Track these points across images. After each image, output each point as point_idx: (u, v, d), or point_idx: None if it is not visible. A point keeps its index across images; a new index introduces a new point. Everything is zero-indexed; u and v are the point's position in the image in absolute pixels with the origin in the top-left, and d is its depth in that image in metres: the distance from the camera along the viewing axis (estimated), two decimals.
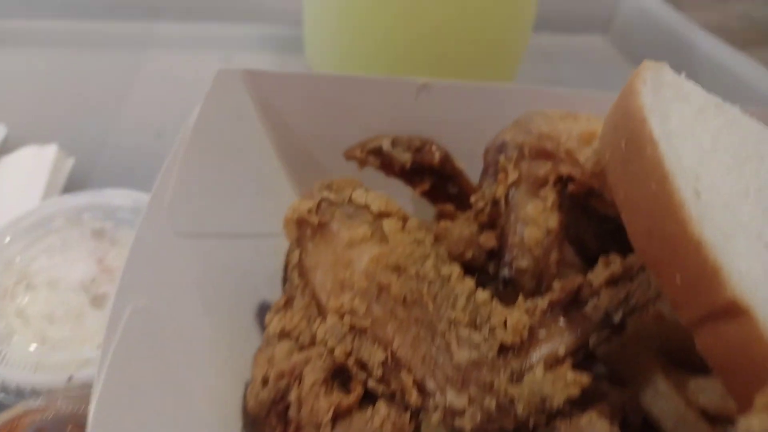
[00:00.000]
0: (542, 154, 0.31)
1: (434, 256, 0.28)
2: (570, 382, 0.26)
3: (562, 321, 0.27)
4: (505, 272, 0.30)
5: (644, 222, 0.24)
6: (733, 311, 0.22)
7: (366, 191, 0.31)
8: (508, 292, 0.30)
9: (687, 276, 0.23)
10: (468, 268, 0.32)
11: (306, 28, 0.56)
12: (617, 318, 0.27)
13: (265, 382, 0.29)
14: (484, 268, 0.32)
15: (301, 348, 0.30)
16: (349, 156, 0.39)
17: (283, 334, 0.30)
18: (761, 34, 0.89)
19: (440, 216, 0.40)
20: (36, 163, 0.44)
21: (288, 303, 0.32)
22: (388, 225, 0.29)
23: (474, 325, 0.26)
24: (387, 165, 0.39)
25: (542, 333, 0.27)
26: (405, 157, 0.39)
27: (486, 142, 0.39)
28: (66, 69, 0.59)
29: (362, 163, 0.39)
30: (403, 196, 0.40)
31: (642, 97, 0.25)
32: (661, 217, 0.23)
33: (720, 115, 0.28)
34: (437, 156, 0.39)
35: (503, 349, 0.26)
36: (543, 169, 0.31)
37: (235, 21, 0.67)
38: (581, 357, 0.27)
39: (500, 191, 0.31)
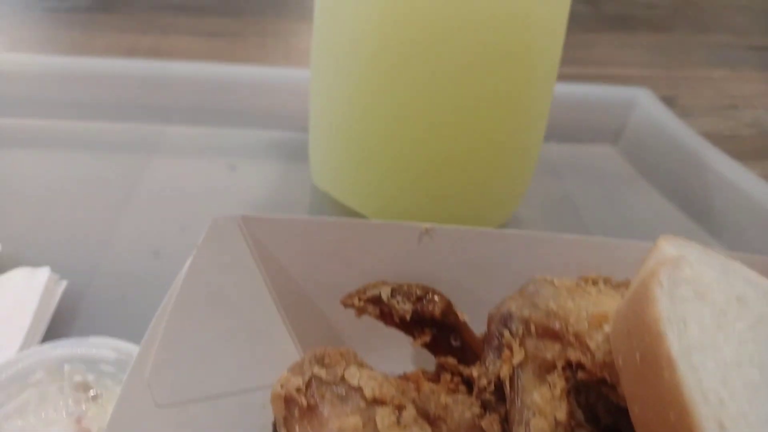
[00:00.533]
0: (550, 334, 0.29)
1: None
2: None
3: None
4: None
5: None
6: None
7: (360, 369, 0.29)
8: None
9: None
10: None
11: (311, 141, 0.55)
12: None
13: None
14: None
15: None
16: (346, 304, 0.37)
17: None
18: None
19: (441, 369, 0.37)
20: (26, 288, 0.42)
21: None
22: (382, 418, 0.26)
23: None
24: (386, 315, 0.37)
25: None
26: (405, 308, 0.37)
27: (491, 289, 0.37)
28: (66, 174, 0.59)
29: (360, 312, 0.37)
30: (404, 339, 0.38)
31: (658, 305, 0.23)
32: None
33: (744, 312, 0.26)
34: (439, 307, 0.37)
35: None
36: (551, 351, 0.29)
37: (242, 127, 0.67)
38: None
39: (505, 371, 0.29)
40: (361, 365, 0.29)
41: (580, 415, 0.37)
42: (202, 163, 0.62)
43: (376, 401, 0.27)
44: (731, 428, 0.21)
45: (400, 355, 0.41)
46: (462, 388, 0.34)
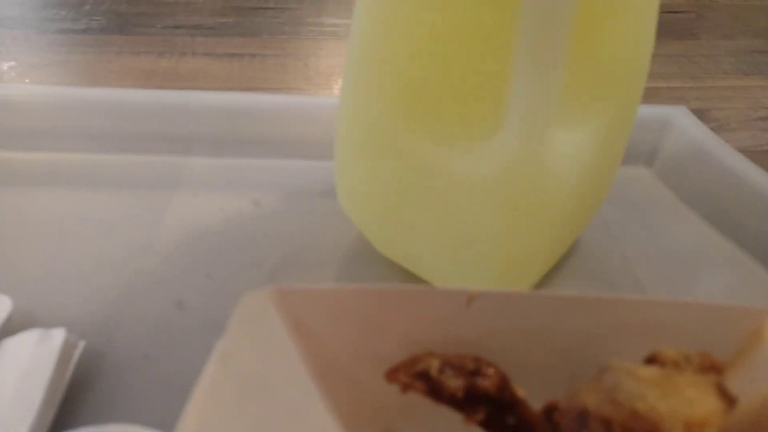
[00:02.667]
0: None
1: None
2: None
3: None
4: None
5: None
6: None
7: None
8: None
9: None
10: None
11: (336, 172, 0.52)
12: None
13: None
14: None
15: None
16: (391, 379, 0.34)
17: None
18: None
19: None
20: (39, 355, 0.39)
21: None
22: None
23: None
24: (436, 391, 0.34)
25: None
26: (456, 384, 0.34)
27: (546, 356, 0.34)
28: (82, 214, 0.56)
29: (407, 388, 0.35)
30: None
31: None
32: None
33: None
34: (494, 382, 0.34)
35: None
36: None
37: (265, 157, 0.64)
38: None
39: None
40: None
41: None
42: (225, 199, 0.60)
43: None
44: None
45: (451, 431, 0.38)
46: None
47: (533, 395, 0.34)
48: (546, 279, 0.53)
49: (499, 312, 0.37)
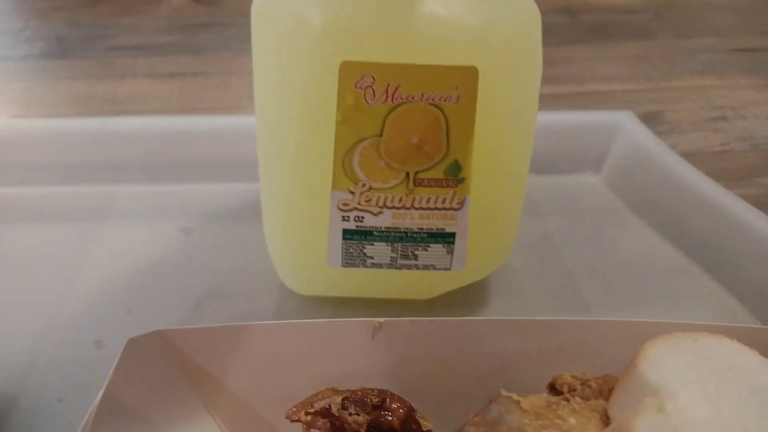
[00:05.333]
0: None
1: None
2: None
3: None
4: None
5: None
6: None
7: None
8: None
9: None
10: None
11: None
12: None
13: None
14: None
15: None
16: (292, 419, 0.33)
17: None
18: (764, 158, 0.85)
19: None
20: None
21: None
22: None
23: None
24: (338, 429, 0.33)
25: None
26: (359, 420, 0.32)
27: (458, 383, 0.33)
28: (6, 251, 0.54)
29: (309, 426, 0.33)
30: None
31: None
32: None
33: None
34: (399, 416, 0.33)
35: None
36: None
37: (197, 182, 0.63)
38: None
39: None
40: None
41: None
42: (155, 228, 0.58)
43: None
44: None
45: None
46: None
47: (451, 423, 0.33)
48: (479, 294, 0.52)
49: (408, 340, 0.35)
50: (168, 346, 0.32)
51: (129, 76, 0.83)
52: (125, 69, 0.85)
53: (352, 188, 0.42)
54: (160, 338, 0.31)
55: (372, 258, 0.45)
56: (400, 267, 0.46)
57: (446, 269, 0.46)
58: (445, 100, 0.39)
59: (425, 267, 0.46)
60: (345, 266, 0.46)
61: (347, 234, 0.44)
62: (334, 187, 0.42)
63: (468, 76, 0.38)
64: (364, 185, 0.42)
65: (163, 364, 0.32)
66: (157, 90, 0.80)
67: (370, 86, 0.38)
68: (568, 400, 0.27)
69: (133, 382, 0.30)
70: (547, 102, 0.64)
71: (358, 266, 0.46)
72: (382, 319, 0.34)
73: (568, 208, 0.68)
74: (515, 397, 0.27)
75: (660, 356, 0.25)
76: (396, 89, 0.38)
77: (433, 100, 0.39)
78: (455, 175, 0.41)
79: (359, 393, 0.33)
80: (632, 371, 0.25)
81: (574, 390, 0.29)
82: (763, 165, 0.85)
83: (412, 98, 0.39)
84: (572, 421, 0.25)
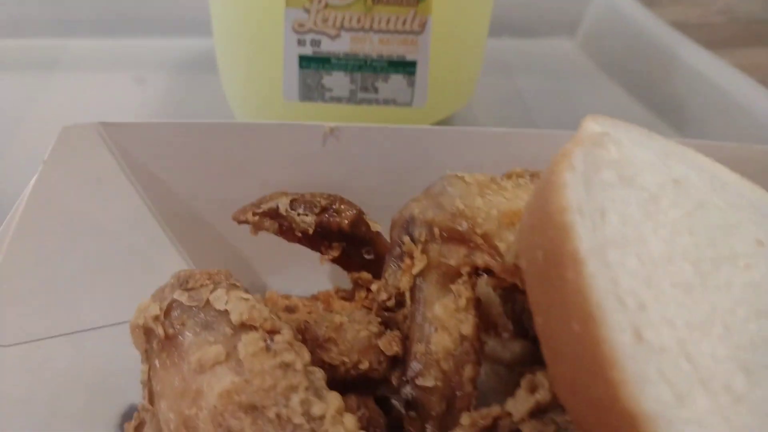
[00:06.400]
0: (455, 238, 0.24)
1: (305, 388, 0.21)
2: None
3: None
4: (408, 391, 0.24)
5: (566, 373, 0.18)
6: None
7: (230, 291, 0.24)
8: (412, 417, 0.24)
9: None
10: (366, 381, 0.26)
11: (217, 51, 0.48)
12: None
13: None
14: (387, 378, 0.26)
15: None
16: (239, 220, 0.32)
17: None
18: (743, 31, 0.83)
19: (356, 286, 0.33)
20: None
21: (138, 429, 0.25)
22: (245, 344, 0.22)
23: None
24: (286, 230, 0.32)
25: None
26: (308, 221, 0.32)
27: (409, 194, 0.33)
28: None
29: (256, 228, 0.33)
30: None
31: (567, 192, 0.18)
32: (585, 372, 0.17)
33: (680, 200, 0.21)
34: (347, 217, 0.32)
35: None
36: (455, 257, 0.24)
37: (150, 36, 0.60)
38: None
39: (405, 282, 0.25)
40: (232, 287, 0.24)
41: (509, 326, 0.33)
42: (107, 78, 0.55)
43: (244, 326, 0.23)
44: (651, 337, 0.17)
45: (315, 275, 0.37)
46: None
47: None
48: None
49: (360, 149, 0.34)
50: (107, 139, 0.30)
51: None
52: None
53: (307, 5, 0.39)
54: (98, 130, 0.30)
55: (331, 90, 0.44)
56: (360, 101, 0.44)
57: (407, 104, 0.44)
58: None
59: (386, 101, 0.44)
60: (303, 100, 0.44)
61: (304, 61, 0.42)
62: (288, 3, 0.39)
63: None
64: (320, 2, 0.39)
65: (101, 157, 0.30)
66: None
67: None
68: (517, 179, 0.27)
69: (68, 174, 0.29)
70: None
71: (316, 100, 0.44)
72: (332, 124, 0.33)
73: (540, 69, 0.66)
74: (460, 173, 0.26)
75: (608, 127, 0.24)
76: None
77: None
78: None
79: (308, 196, 0.33)
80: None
81: (522, 176, 0.28)
82: (741, 37, 0.83)
83: None
84: (513, 191, 0.25)
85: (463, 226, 0.24)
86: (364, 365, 0.25)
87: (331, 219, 0.32)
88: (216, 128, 0.32)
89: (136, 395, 0.29)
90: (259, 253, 0.34)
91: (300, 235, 0.32)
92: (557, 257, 0.18)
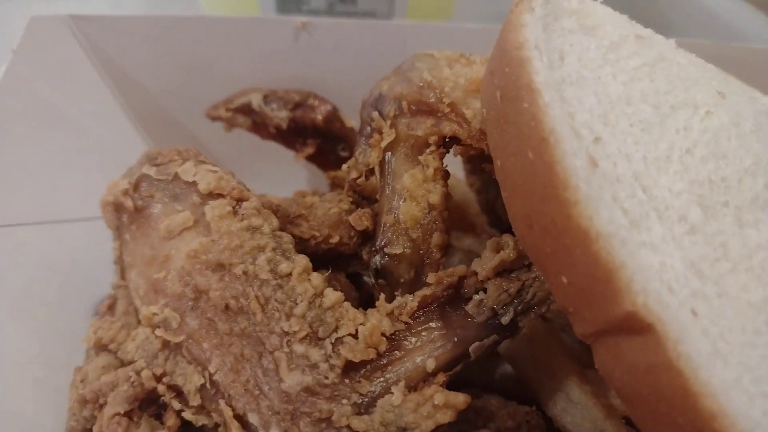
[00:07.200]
0: (424, 109, 0.24)
1: (272, 248, 0.22)
2: (439, 405, 0.20)
3: (436, 325, 0.21)
4: (377, 260, 0.24)
5: (522, 203, 0.18)
6: (635, 327, 0.16)
7: (198, 164, 0.24)
8: (382, 284, 0.24)
9: (575, 278, 0.17)
10: (338, 257, 0.26)
11: None
12: (507, 318, 0.21)
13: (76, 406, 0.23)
14: (358, 254, 0.26)
15: (123, 363, 0.24)
16: (212, 116, 0.32)
17: (101, 346, 0.24)
18: None
19: (333, 186, 0.33)
20: None
21: (111, 307, 0.25)
22: (212, 208, 0.22)
23: (315, 338, 0.20)
24: (260, 126, 0.32)
25: (409, 342, 0.21)
26: (281, 116, 0.32)
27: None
28: None
29: (229, 124, 0.32)
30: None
31: (525, 31, 0.18)
32: (539, 197, 0.17)
33: (641, 51, 0.21)
34: (322, 113, 0.32)
35: (351, 368, 0.20)
36: (422, 127, 0.24)
37: None
38: (460, 369, 0.21)
39: (374, 157, 0.25)
40: (201, 162, 0.24)
41: (483, 219, 0.33)
42: None
43: (212, 195, 0.23)
44: (607, 167, 0.17)
45: (294, 179, 0.37)
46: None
47: None
48: None
49: (333, 44, 0.34)
50: (77, 32, 0.30)
51: None
52: None
53: None
54: (68, 23, 0.29)
55: (308, 3, 0.43)
56: (339, 14, 0.44)
57: (386, 16, 0.44)
58: None
59: (365, 14, 0.44)
60: (280, 12, 0.43)
61: None
62: None
63: None
64: None
65: (71, 51, 0.30)
66: None
67: None
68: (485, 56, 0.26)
69: (38, 65, 0.29)
70: None
71: (293, 12, 0.43)
72: (305, 18, 0.33)
73: None
74: (429, 51, 0.26)
75: None
76: None
77: None
78: None
79: (281, 92, 0.32)
80: None
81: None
82: None
83: None
84: (482, 62, 0.25)
85: (430, 96, 0.24)
86: (335, 239, 0.25)
87: (305, 114, 0.32)
88: (187, 22, 0.31)
89: (110, 287, 0.29)
90: (235, 156, 0.34)
91: (274, 131, 0.32)
92: (514, 91, 0.18)
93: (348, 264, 0.26)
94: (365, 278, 0.26)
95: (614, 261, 0.16)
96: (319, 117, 0.32)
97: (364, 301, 0.25)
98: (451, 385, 0.21)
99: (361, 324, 0.21)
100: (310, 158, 0.33)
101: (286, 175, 0.36)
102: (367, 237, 0.26)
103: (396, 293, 0.23)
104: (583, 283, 0.16)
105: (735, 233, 0.18)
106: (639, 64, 0.20)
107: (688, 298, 0.16)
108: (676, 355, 0.15)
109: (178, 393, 0.21)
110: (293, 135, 0.32)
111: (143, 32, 0.31)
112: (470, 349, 0.21)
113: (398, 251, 0.23)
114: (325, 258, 0.25)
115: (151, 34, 0.31)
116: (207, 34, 0.32)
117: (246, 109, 0.32)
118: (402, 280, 0.24)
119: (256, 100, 0.32)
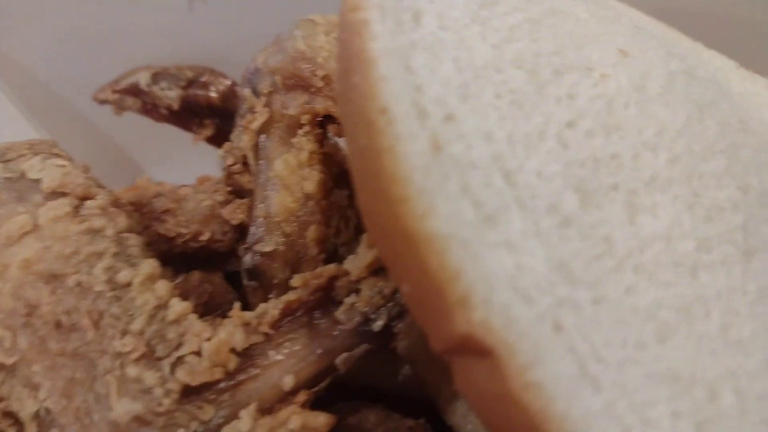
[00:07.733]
0: (298, 84, 0.21)
1: (113, 254, 0.19)
2: (296, 430, 0.17)
3: (300, 335, 0.19)
4: (248, 259, 0.21)
5: (361, 199, 0.15)
6: (474, 349, 0.13)
7: (46, 159, 0.21)
8: (255, 288, 0.21)
9: (412, 289, 0.14)
10: (212, 255, 0.23)
11: None
12: (379, 323, 0.18)
13: None
14: (235, 251, 0.23)
15: None
16: (99, 99, 0.29)
17: None
18: None
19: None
20: None
21: None
22: (48, 210, 0.19)
23: (152, 358, 0.18)
24: (150, 107, 0.29)
25: (267, 357, 0.18)
26: (171, 96, 0.29)
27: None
28: None
29: (118, 107, 0.29)
30: None
31: None
32: (371, 192, 0.14)
33: (527, 5, 0.18)
34: (218, 90, 0.29)
35: (192, 392, 0.17)
36: (295, 105, 0.21)
37: None
38: (327, 383, 0.19)
39: (246, 141, 0.22)
40: (53, 156, 0.21)
41: None
42: None
43: (55, 193, 0.20)
44: (457, 151, 0.14)
45: (204, 164, 0.34)
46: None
47: None
48: None
49: (233, 16, 0.31)
50: None
51: None
52: None
53: None
54: None
55: None
56: None
57: None
58: None
59: None
60: None
61: None
62: None
63: None
64: None
65: None
66: None
67: None
68: None
69: None
70: None
71: None
72: None
73: None
74: (315, 16, 0.23)
75: None
76: None
77: None
78: None
79: (173, 69, 0.29)
80: None
81: None
82: None
83: None
84: None
85: (304, 69, 0.21)
86: (205, 236, 0.22)
87: (199, 93, 0.29)
88: None
89: None
90: (138, 142, 0.31)
91: (166, 112, 0.29)
92: (347, 63, 0.15)
93: (225, 262, 0.23)
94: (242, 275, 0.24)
95: (448, 269, 0.13)
96: (214, 94, 0.29)
97: (246, 301, 0.23)
98: (326, 399, 0.19)
99: (207, 339, 0.18)
100: (210, 140, 0.30)
101: (196, 160, 0.33)
102: (245, 232, 0.23)
103: (270, 296, 0.21)
104: (419, 295, 0.14)
105: (623, 223, 0.15)
106: (519, 21, 0.17)
107: (551, 308, 0.13)
108: (521, 386, 0.12)
109: (16, 421, 0.19)
110: (189, 116, 0.29)
111: (25, 10, 0.28)
112: (337, 361, 0.18)
113: (271, 248, 0.21)
114: (200, 257, 0.23)
115: (34, 13, 0.28)
116: (96, 8, 0.29)
117: (134, 90, 0.29)
118: (276, 281, 0.21)
119: (144, 80, 0.29)
